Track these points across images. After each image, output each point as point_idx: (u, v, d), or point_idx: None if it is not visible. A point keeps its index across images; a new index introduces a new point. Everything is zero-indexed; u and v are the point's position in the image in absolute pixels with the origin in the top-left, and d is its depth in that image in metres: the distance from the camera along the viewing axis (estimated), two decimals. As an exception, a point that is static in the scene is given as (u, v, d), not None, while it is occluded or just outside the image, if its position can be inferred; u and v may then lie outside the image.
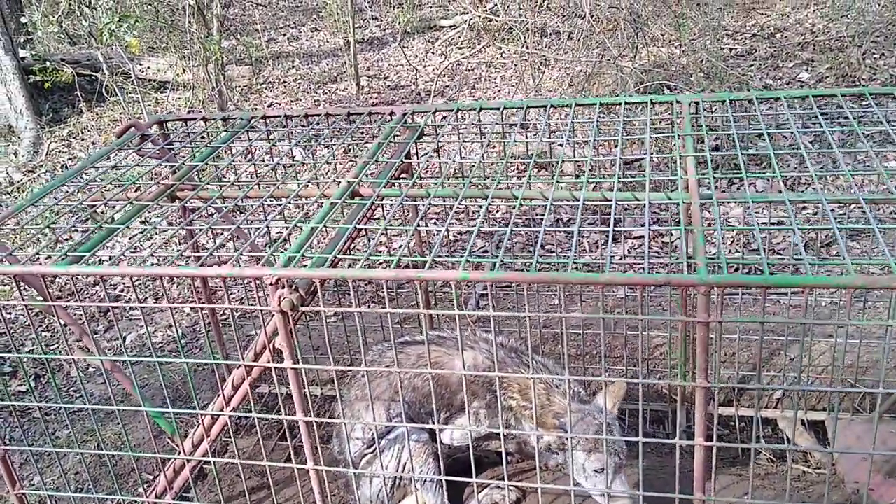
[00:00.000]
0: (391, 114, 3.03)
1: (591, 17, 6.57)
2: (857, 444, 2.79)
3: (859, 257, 4.23)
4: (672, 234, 4.69)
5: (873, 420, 2.77)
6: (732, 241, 4.64)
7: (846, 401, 3.11)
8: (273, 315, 2.05)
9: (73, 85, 7.62)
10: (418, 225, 2.36)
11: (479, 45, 8.56)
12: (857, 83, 6.71)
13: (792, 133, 2.46)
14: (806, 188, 4.96)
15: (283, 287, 2.00)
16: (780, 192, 2.12)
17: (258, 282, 2.07)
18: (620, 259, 4.49)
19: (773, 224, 4.61)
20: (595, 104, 2.86)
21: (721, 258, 1.80)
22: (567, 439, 2.47)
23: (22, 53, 7.79)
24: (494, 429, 2.52)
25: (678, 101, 2.75)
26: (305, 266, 2.05)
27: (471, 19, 8.39)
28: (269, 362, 2.21)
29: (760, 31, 8.20)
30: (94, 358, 2.31)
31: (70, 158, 7.16)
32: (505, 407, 2.63)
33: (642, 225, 2.03)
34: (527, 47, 7.02)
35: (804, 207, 4.76)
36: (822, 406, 3.17)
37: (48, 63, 7.62)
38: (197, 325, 4.53)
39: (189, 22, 7.13)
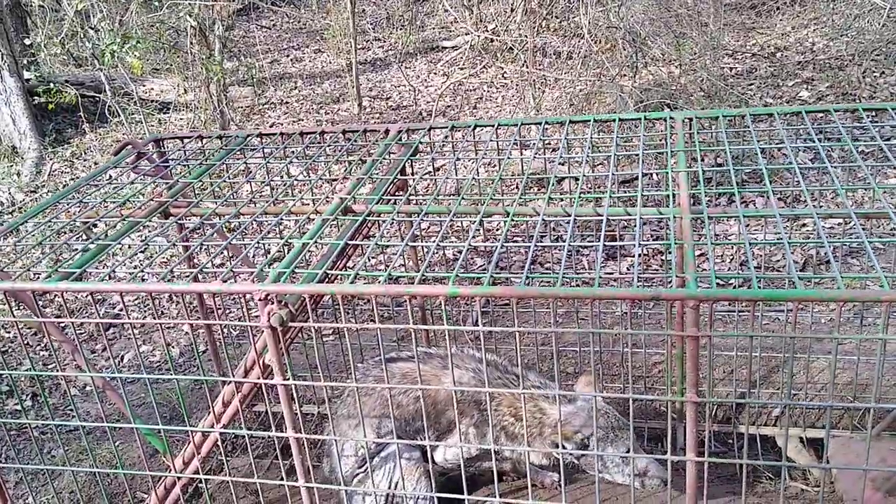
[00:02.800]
0: (386, 131, 3.04)
1: (590, 36, 6.60)
2: (856, 462, 2.76)
3: (859, 274, 4.21)
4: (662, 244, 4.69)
5: (871, 437, 2.75)
6: (732, 259, 4.62)
7: (846, 418, 3.09)
8: (263, 331, 2.04)
9: (76, 106, 7.68)
10: (412, 240, 2.35)
11: (480, 65, 8.61)
12: (858, 101, 6.71)
13: (789, 149, 2.46)
14: (805, 205, 4.95)
15: (273, 303, 2.00)
16: (772, 207, 2.12)
17: (249, 298, 2.07)
18: (620, 275, 4.48)
19: (769, 240, 4.60)
20: (590, 121, 2.87)
21: (711, 273, 1.80)
22: (587, 441, 2.49)
23: (26, 75, 7.86)
24: (486, 446, 2.50)
25: (672, 118, 2.76)
26: (295, 282, 2.05)
27: (472, 40, 8.44)
28: (259, 379, 2.21)
29: (761, 50, 8.22)
30: (85, 375, 2.30)
31: (72, 178, 7.19)
32: (497, 426, 2.61)
33: (641, 241, 2.03)
34: (527, 67, 7.05)
35: (804, 224, 4.75)
36: (822, 423, 3.14)
37: (52, 84, 7.69)
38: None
39: (191, 43, 7.19)
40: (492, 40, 8.20)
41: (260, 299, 1.98)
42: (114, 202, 2.64)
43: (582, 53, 6.83)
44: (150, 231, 5.01)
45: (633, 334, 2.80)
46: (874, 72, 7.21)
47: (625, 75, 6.83)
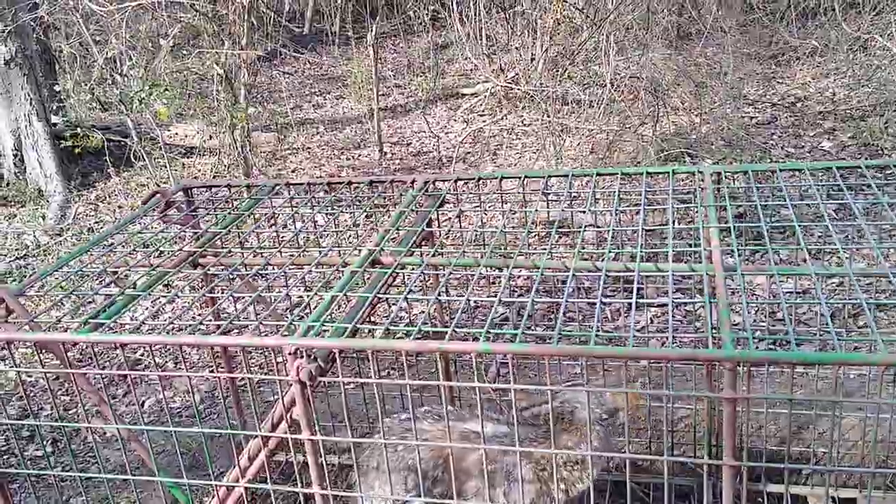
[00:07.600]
0: (413, 182, 3.05)
1: (612, 86, 6.65)
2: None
3: (887, 328, 4.15)
4: (695, 303, 4.64)
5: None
6: (758, 310, 4.57)
7: (878, 478, 3.02)
8: (291, 384, 2.03)
9: (102, 150, 7.78)
10: (439, 294, 2.35)
11: (500, 112, 8.68)
12: (880, 152, 6.70)
13: (817, 203, 2.44)
14: (832, 257, 4.91)
15: (302, 357, 1.98)
16: (802, 263, 2.09)
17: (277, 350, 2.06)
18: (643, 328, 4.43)
19: (798, 293, 4.54)
20: (616, 174, 2.87)
21: (747, 332, 1.77)
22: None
23: (54, 119, 7.99)
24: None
25: (700, 172, 2.75)
26: (324, 335, 2.04)
27: (493, 87, 8.52)
28: (286, 432, 2.18)
29: (781, 99, 8.24)
30: (111, 427, 2.29)
31: (97, 222, 7.26)
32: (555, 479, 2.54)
33: (665, 293, 2.02)
34: (548, 115, 7.10)
35: (830, 275, 4.70)
36: (854, 482, 3.07)
37: (79, 129, 7.81)
38: (216, 389, 4.50)
39: (217, 90, 7.30)
40: (512, 88, 8.28)
41: (290, 353, 1.97)
42: (142, 251, 2.66)
43: (603, 102, 6.88)
44: (176, 277, 5.04)
45: (670, 395, 2.74)
46: (896, 122, 7.21)
47: (645, 124, 6.86)
